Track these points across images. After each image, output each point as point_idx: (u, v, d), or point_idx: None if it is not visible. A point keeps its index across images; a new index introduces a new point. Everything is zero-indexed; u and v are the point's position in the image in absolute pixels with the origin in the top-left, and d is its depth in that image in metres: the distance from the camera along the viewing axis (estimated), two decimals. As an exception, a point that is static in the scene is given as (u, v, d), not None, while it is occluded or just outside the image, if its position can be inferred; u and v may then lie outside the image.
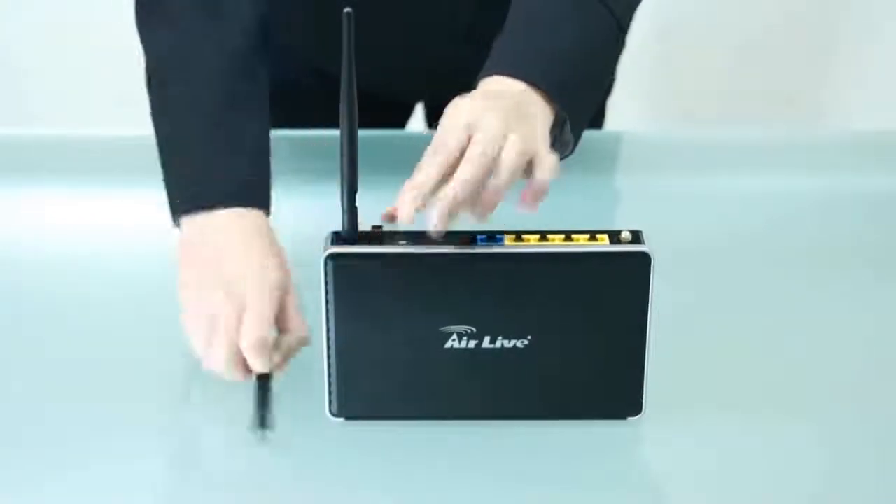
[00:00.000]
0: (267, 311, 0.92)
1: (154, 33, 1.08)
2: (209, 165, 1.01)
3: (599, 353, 0.95)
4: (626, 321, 0.94)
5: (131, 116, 1.29)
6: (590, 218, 1.15)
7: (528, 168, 0.92)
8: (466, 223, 0.92)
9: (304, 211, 1.15)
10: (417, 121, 1.57)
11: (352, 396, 0.96)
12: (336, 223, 0.92)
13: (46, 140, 1.41)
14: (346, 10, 0.87)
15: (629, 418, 0.97)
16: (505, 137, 0.91)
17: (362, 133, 0.91)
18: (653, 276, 0.92)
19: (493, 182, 0.90)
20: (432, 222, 0.89)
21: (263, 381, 0.92)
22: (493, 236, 0.92)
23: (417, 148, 0.96)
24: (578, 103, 1.00)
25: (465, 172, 0.89)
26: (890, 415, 1.00)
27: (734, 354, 1.06)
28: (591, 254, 0.92)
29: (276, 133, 1.05)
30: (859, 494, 0.93)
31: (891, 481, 0.94)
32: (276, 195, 1.01)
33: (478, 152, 0.90)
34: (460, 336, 0.93)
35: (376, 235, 0.93)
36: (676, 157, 1.39)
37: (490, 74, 0.98)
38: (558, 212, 1.01)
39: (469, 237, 0.92)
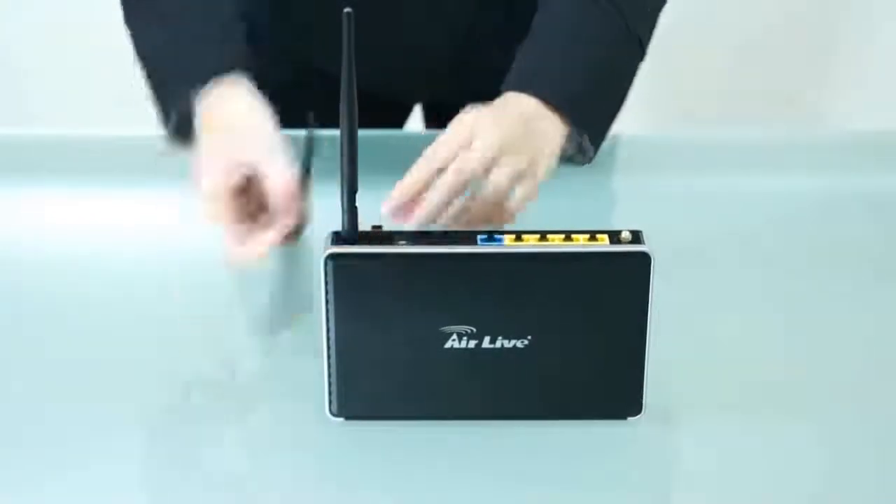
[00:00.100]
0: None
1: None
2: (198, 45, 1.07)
3: (599, 353, 0.94)
4: (625, 321, 0.94)
5: (131, 116, 1.29)
6: (590, 218, 1.15)
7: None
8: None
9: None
10: (416, 121, 1.57)
11: (352, 396, 0.95)
12: (336, 223, 0.92)
13: (46, 140, 1.41)
14: (346, 10, 0.88)
15: (629, 418, 0.97)
16: (496, 158, 0.93)
17: (362, 133, 0.91)
18: (653, 276, 0.92)
19: (481, 197, 0.92)
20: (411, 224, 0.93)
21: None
22: (492, 236, 0.92)
23: (416, 148, 0.96)
24: (593, 116, 1.01)
25: (439, 183, 0.94)
26: (890, 415, 1.00)
27: (734, 354, 1.06)
28: (590, 254, 0.92)
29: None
30: (859, 494, 0.93)
31: (891, 481, 0.94)
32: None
33: (457, 166, 0.93)
34: (460, 336, 0.93)
35: (376, 235, 0.93)
36: (676, 158, 1.38)
37: (507, 90, 1.00)
38: (558, 212, 1.02)
39: (469, 237, 0.92)
